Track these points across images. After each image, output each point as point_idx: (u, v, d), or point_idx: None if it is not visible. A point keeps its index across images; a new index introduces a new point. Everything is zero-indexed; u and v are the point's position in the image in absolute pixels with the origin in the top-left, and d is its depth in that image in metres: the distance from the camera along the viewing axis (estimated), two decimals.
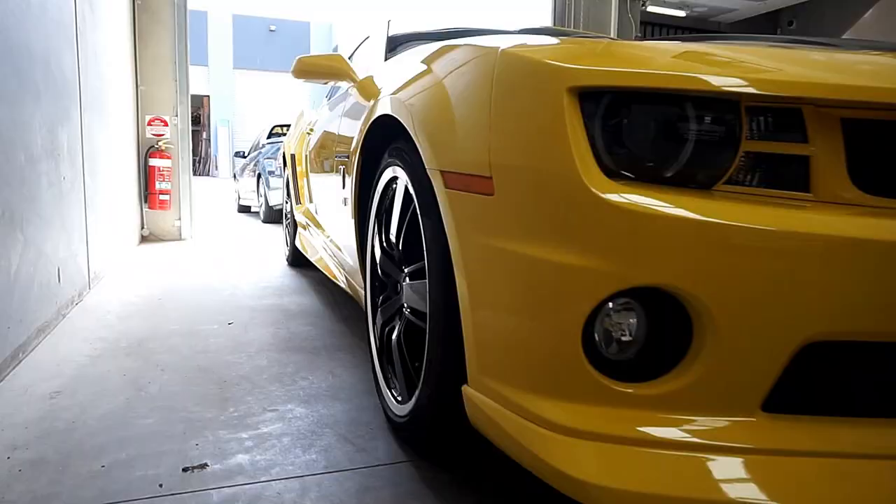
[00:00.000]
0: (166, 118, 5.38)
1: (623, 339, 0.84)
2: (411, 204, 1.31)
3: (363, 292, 1.84)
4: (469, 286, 1.01)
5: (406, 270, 1.39)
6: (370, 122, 1.57)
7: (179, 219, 5.50)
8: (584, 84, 0.84)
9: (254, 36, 26.81)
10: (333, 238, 2.46)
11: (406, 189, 1.34)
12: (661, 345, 0.84)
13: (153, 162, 5.30)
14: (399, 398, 1.41)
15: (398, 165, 1.38)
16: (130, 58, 4.99)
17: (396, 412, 1.40)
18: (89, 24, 3.34)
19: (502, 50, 0.98)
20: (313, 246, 3.22)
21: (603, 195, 0.80)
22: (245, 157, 9.66)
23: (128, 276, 3.62)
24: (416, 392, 1.27)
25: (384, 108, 1.43)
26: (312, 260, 3.23)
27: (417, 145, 1.19)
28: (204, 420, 1.56)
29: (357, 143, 1.70)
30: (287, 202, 4.16)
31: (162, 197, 5.34)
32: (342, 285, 2.46)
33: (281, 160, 7.62)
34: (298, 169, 3.56)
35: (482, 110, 0.98)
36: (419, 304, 1.29)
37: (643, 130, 0.83)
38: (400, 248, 1.40)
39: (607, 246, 0.81)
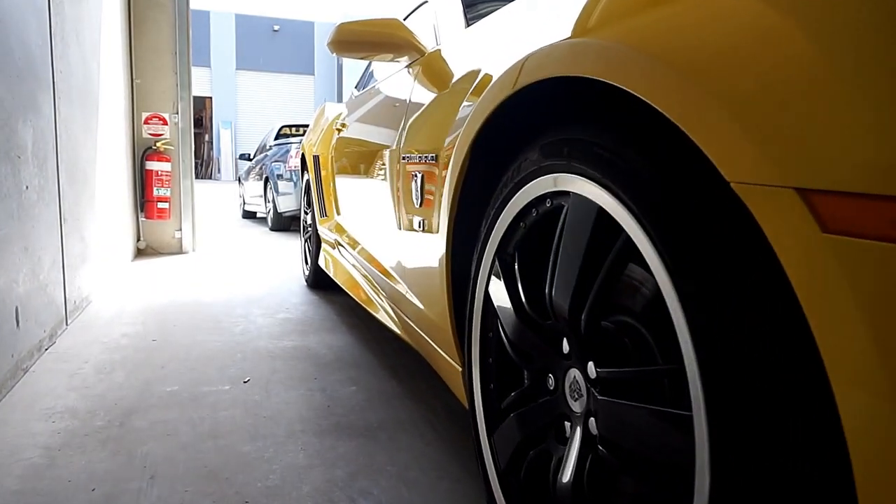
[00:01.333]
0: (165, 116, 4.76)
1: None
2: (616, 246, 0.68)
3: (459, 368, 1.20)
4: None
5: (598, 372, 0.75)
6: (496, 102, 0.93)
7: (180, 229, 4.87)
8: None
9: (257, 36, 26.23)
10: (385, 266, 1.82)
11: (600, 217, 0.71)
12: None
13: (150, 165, 4.67)
14: None
15: (580, 173, 0.74)
16: (124, 46, 4.37)
17: None
18: None
19: None
20: (345, 270, 2.59)
21: None
22: (251, 160, 9.04)
23: (117, 302, 2.99)
24: None
25: (548, 67, 0.79)
26: (343, 286, 2.60)
27: (696, 135, 0.54)
28: None
29: (463, 138, 1.07)
30: (306, 212, 3.53)
31: (160, 205, 4.71)
32: (393, 327, 1.83)
33: (292, 162, 7.03)
34: (324, 173, 2.93)
35: None
36: (633, 438, 0.66)
37: None
38: (582, 321, 0.76)
39: None
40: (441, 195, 1.19)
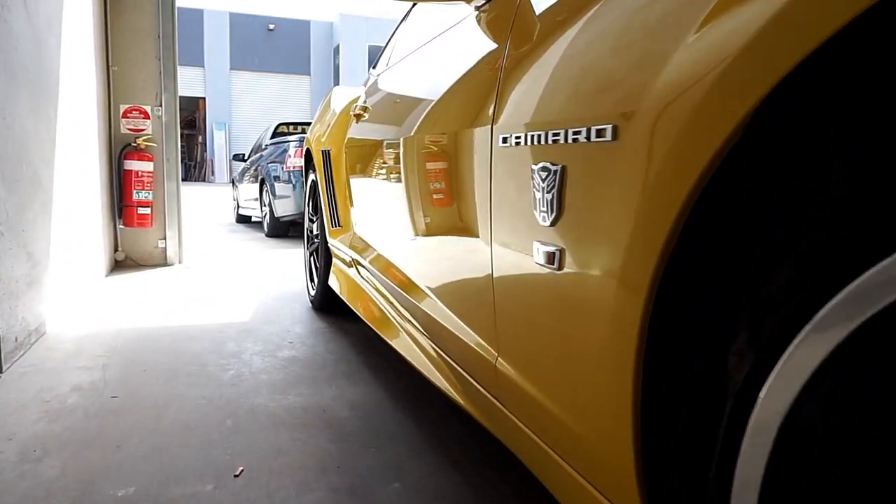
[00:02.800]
0: (147, 108, 4.15)
1: None
2: None
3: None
4: None
5: None
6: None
7: (164, 238, 4.26)
8: None
9: (251, 35, 25.61)
10: (457, 318, 1.22)
11: None
12: None
13: (130, 165, 4.06)
14: None
15: None
16: (97, 27, 3.76)
17: None
18: None
19: None
20: (368, 300, 1.99)
21: None
22: (245, 161, 8.43)
23: (77, 335, 2.38)
24: None
25: None
26: (367, 320, 2.00)
27: None
28: None
29: (721, 85, 0.47)
30: (312, 219, 2.92)
31: (141, 210, 4.10)
32: (457, 398, 1.24)
33: (290, 163, 6.42)
34: (336, 173, 2.34)
35: None
36: None
37: None
38: None
39: None
40: (628, 204, 0.59)
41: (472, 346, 1.09)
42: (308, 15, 26.60)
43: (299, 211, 6.03)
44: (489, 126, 0.92)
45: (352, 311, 2.29)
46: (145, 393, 1.78)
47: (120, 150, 4.07)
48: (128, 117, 4.12)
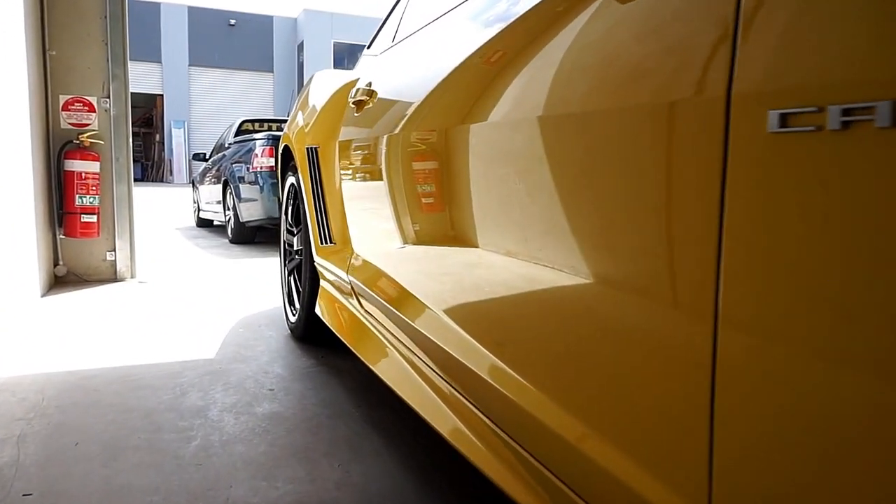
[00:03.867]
0: (92, 100, 3.59)
1: None
2: None
3: None
4: None
5: None
6: None
7: (114, 250, 3.70)
8: None
9: (212, 30, 24.68)
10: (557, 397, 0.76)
11: None
12: None
13: (71, 165, 3.49)
14: None
15: None
16: (31, 4, 3.19)
17: None
18: None
19: None
20: (378, 342, 1.52)
21: None
22: (206, 161, 7.83)
23: None
24: None
25: None
26: (370, 364, 1.53)
27: None
28: None
29: None
30: (291, 230, 2.43)
31: (85, 218, 3.53)
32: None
33: (257, 162, 5.86)
34: (325, 176, 1.86)
35: None
36: None
37: None
38: None
39: None
40: None
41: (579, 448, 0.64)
42: (271, 10, 25.77)
43: (268, 216, 5.50)
44: (724, 94, 0.47)
45: (339, 341, 1.82)
46: (73, 482, 1.27)
47: (60, 149, 3.50)
48: (69, 110, 3.56)
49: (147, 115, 26.85)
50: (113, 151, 3.65)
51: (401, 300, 1.33)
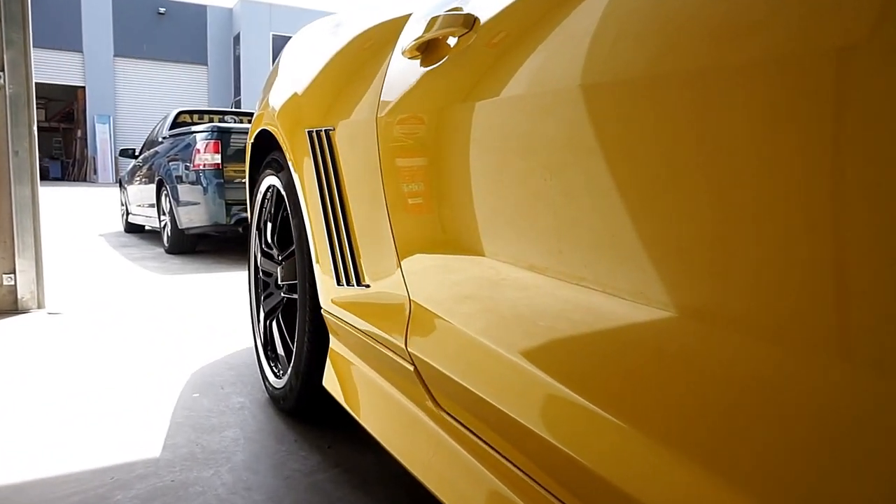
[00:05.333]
0: None
1: None
2: None
3: None
4: None
5: None
6: None
7: (13, 272, 2.82)
8: None
9: (139, 19, 23.04)
10: None
11: None
12: None
13: None
14: None
15: None
16: None
17: None
18: None
19: None
20: (474, 470, 0.81)
21: None
22: (136, 158, 6.83)
23: None
24: None
25: None
26: (438, 492, 0.83)
27: None
28: None
29: None
30: (272, 255, 1.67)
31: None
32: None
33: (200, 159, 4.95)
34: (350, 175, 1.14)
35: None
36: None
37: None
38: None
39: None
40: None
41: None
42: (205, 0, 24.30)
43: (213, 221, 4.65)
44: None
45: (351, 419, 1.11)
46: None
47: None
48: None
49: (67, 108, 24.92)
50: (10, 143, 2.77)
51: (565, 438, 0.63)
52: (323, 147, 1.20)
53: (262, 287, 1.77)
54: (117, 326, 2.58)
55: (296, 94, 1.36)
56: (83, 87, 22.47)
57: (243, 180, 4.70)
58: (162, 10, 23.30)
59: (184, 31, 23.78)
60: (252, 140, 1.74)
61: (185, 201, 4.83)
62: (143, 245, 5.85)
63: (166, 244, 5.28)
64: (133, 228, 7.10)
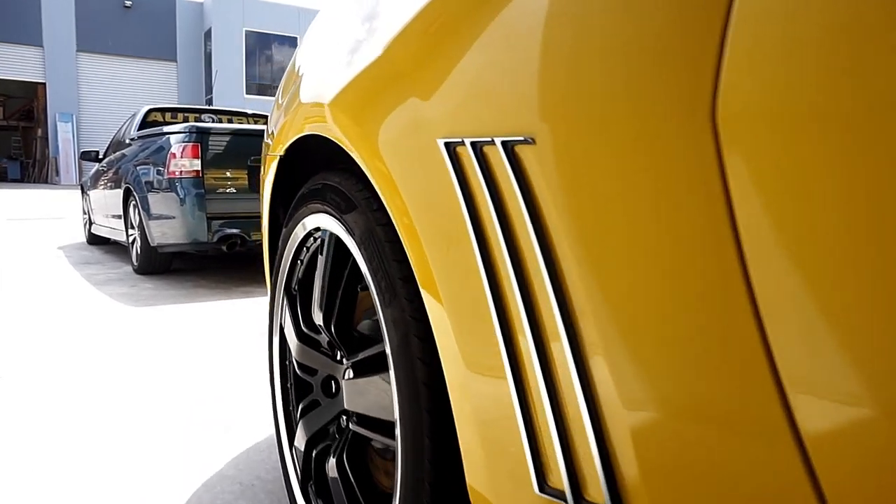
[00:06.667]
0: None
1: None
2: None
3: None
4: None
5: None
6: None
7: None
8: None
9: (103, 12, 21.92)
10: None
11: None
12: None
13: None
14: None
15: None
16: None
17: None
18: None
19: None
20: None
21: None
22: (100, 161, 6.06)
23: None
24: None
25: None
26: None
27: None
28: None
29: None
30: (333, 353, 1.02)
31: None
32: None
33: (177, 165, 4.14)
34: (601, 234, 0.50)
35: None
36: None
37: None
38: None
39: None
40: None
41: None
42: None
43: (192, 239, 3.94)
44: None
45: None
46: None
47: None
48: None
49: (27, 106, 23.70)
50: None
51: None
52: (496, 176, 0.55)
53: (296, 387, 1.10)
54: (75, 396, 1.88)
55: (400, 71, 0.70)
56: (43, 84, 21.28)
57: (228, 189, 3.99)
58: (128, 3, 22.21)
59: (152, 26, 22.72)
60: (278, 157, 1.08)
61: (157, 214, 4.11)
62: (109, 261, 5.10)
63: (135, 263, 4.54)
64: (97, 240, 6.33)
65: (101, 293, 3.68)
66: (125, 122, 5.89)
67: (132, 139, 5.05)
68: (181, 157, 3.92)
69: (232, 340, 2.60)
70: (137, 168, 4.44)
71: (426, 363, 0.69)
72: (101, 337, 2.63)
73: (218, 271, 4.61)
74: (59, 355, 2.35)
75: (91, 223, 6.28)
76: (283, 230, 1.09)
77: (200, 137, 3.94)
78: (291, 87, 1.06)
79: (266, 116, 5.28)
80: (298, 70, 1.05)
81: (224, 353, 2.41)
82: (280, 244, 1.11)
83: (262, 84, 23.89)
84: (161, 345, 2.52)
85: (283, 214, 1.18)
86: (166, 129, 4.32)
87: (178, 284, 4.05)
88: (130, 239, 4.68)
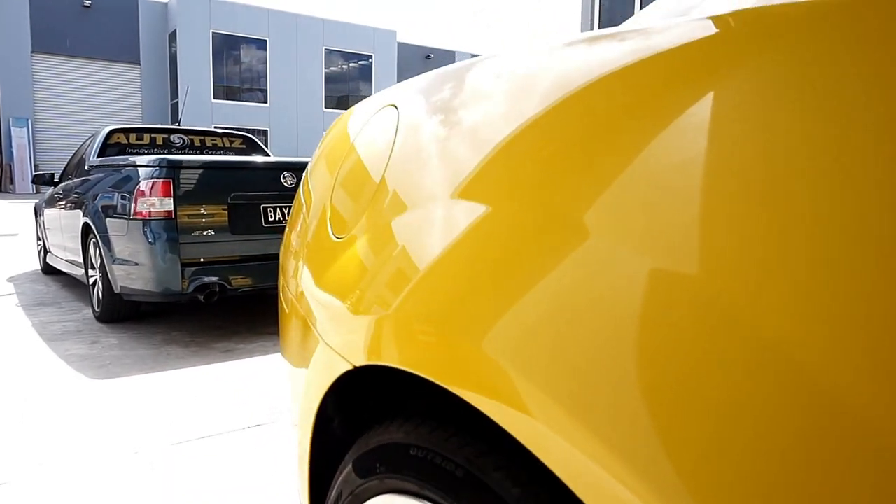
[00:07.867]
0: None
1: None
2: None
3: None
4: None
5: None
6: None
7: None
8: None
9: (61, 11, 20.93)
10: None
11: None
12: None
13: None
14: None
15: None
16: None
17: None
18: None
19: None
20: None
21: None
22: (55, 185, 5.45)
23: None
24: None
25: None
26: None
27: None
28: None
29: None
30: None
31: None
32: None
33: (145, 205, 3.51)
34: None
35: None
36: None
37: None
38: None
39: None
40: None
41: None
42: None
43: (162, 288, 3.42)
44: None
45: None
46: None
47: None
48: None
49: None
50: None
51: None
52: None
53: None
54: None
55: None
56: None
57: (205, 231, 3.48)
58: (87, 2, 21.24)
59: (113, 26, 21.78)
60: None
61: (121, 259, 3.58)
62: (66, 301, 4.52)
63: (96, 309, 3.99)
64: (53, 269, 5.72)
65: (53, 352, 3.14)
66: (85, 142, 5.30)
67: (93, 165, 4.48)
68: (150, 195, 3.40)
69: (221, 434, 2.11)
70: (98, 202, 3.89)
71: None
72: (53, 417, 2.11)
73: (192, 318, 4.08)
74: None
75: (46, 252, 5.68)
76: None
77: (172, 172, 3.42)
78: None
79: (237, 129, 4.69)
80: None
81: (214, 463, 1.92)
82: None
83: (230, 87, 23.12)
84: (135, 427, 2.01)
85: None
86: (133, 158, 3.78)
87: (147, 338, 3.52)
88: (91, 280, 4.12)
